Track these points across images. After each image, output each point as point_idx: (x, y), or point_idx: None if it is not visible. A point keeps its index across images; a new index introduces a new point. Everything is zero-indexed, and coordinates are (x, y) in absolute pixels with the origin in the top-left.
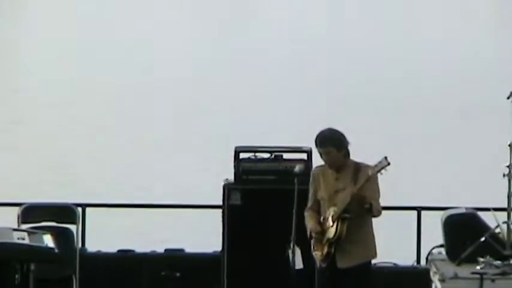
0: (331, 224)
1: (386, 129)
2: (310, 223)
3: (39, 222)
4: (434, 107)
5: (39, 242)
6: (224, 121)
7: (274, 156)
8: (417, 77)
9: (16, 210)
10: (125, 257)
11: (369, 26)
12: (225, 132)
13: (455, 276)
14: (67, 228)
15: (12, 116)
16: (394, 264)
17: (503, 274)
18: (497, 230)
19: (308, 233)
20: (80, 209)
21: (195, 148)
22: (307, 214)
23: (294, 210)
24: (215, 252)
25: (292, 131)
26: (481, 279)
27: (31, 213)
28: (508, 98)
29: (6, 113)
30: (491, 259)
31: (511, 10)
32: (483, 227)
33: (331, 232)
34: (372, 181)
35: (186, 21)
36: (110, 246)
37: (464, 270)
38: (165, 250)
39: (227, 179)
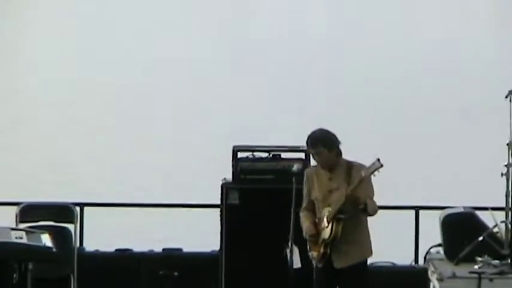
0: (326, 224)
1: (385, 129)
2: (305, 224)
3: (37, 221)
4: (433, 107)
5: (37, 242)
6: (224, 121)
7: (272, 155)
8: (417, 77)
9: (14, 210)
10: (123, 257)
11: (369, 26)
12: (225, 132)
13: (453, 276)
14: (65, 228)
15: (12, 116)
16: (392, 263)
17: (501, 273)
18: (495, 230)
19: (304, 233)
20: (78, 209)
21: (195, 148)
22: (302, 215)
23: (292, 210)
24: (213, 251)
25: (292, 131)
26: (479, 279)
27: (29, 212)
28: (506, 97)
29: (6, 113)
30: (489, 258)
31: (511, 10)
32: (481, 227)
33: (326, 233)
34: (365, 182)
35: (186, 21)
36: (107, 246)
37: (462, 270)
38: (163, 249)
39: (225, 178)
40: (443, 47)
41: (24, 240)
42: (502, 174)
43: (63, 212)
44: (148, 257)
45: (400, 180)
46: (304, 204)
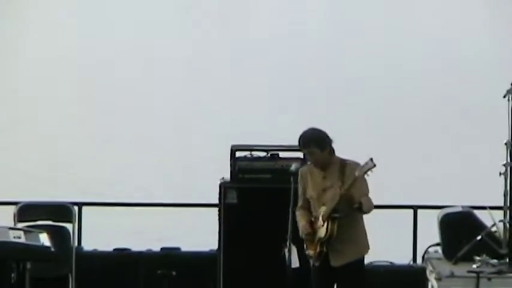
0: (321, 223)
1: (385, 128)
2: (301, 222)
3: (36, 221)
4: (433, 107)
5: (36, 241)
6: (224, 121)
7: (271, 155)
8: (417, 77)
9: (12, 209)
10: (121, 256)
11: (368, 26)
12: (225, 132)
13: (452, 275)
14: (63, 227)
15: (12, 116)
16: (391, 262)
17: (500, 273)
18: (494, 229)
19: (300, 232)
20: (76, 208)
21: (195, 148)
22: (298, 213)
23: (290, 209)
24: (211, 250)
25: (291, 131)
26: (478, 278)
27: (27, 212)
28: (504, 97)
29: (6, 113)
30: (487, 258)
31: (511, 10)
32: (479, 226)
33: (322, 232)
34: (359, 180)
35: (186, 21)
36: (106, 245)
37: (461, 269)
38: (161, 249)
39: (223, 178)
40: (443, 47)
41: (23, 240)
42: (500, 174)
43: (61, 211)
44: (146, 257)
45: (399, 180)
46: (299, 203)
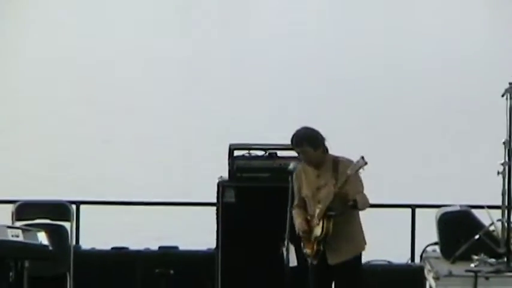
0: (317, 221)
1: (384, 127)
2: (297, 221)
3: (34, 219)
4: (432, 106)
5: (34, 240)
6: (223, 120)
7: (269, 153)
8: (417, 77)
9: (10, 208)
10: (119, 254)
11: (368, 26)
12: (224, 131)
13: (450, 274)
14: (61, 226)
15: (12, 116)
16: (388, 262)
17: (498, 272)
18: (492, 228)
19: (296, 230)
20: (74, 207)
21: (195, 147)
22: (294, 212)
23: (288, 208)
24: (209, 249)
25: (291, 131)
26: (475, 277)
27: (25, 210)
28: (503, 96)
29: (6, 113)
30: (485, 257)
31: (511, 10)
32: (477, 225)
33: (318, 230)
34: (352, 178)
35: (186, 21)
36: (104, 244)
37: (459, 268)
38: (159, 247)
39: (221, 177)
40: (443, 47)
41: (21, 238)
42: (498, 173)
43: (59, 210)
44: (144, 255)
45: (397, 178)
46: (295, 202)
